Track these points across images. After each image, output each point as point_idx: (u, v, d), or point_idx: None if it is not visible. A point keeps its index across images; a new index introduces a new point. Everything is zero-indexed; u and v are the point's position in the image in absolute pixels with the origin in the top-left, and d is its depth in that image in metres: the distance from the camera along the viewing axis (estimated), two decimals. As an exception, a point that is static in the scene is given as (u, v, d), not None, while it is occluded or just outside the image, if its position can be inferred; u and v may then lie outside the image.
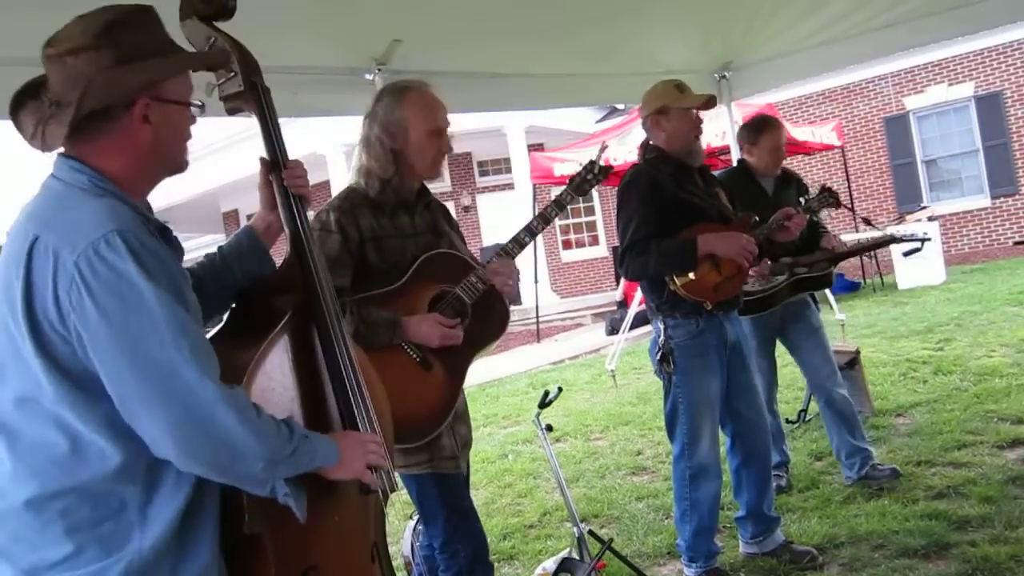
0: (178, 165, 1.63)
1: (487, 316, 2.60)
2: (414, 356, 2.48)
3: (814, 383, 4.41)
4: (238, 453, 1.41)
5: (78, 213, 1.42)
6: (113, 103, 1.47)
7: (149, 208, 1.60)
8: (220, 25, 1.80)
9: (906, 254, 4.81)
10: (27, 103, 1.53)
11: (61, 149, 1.51)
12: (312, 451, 1.53)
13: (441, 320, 2.48)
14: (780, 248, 3.96)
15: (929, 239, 4.81)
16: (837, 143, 13.07)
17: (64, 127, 1.44)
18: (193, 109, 1.61)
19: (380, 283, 2.49)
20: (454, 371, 2.56)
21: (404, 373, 2.45)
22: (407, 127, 2.54)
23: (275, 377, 1.64)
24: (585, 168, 2.82)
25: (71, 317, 1.36)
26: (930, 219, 12.59)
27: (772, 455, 4.03)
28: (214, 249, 1.89)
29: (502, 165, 18.19)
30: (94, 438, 1.39)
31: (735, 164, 4.56)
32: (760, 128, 4.31)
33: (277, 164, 1.82)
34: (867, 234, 7.58)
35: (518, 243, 2.67)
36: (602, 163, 2.83)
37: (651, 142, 3.51)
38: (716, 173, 4.52)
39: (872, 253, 13.16)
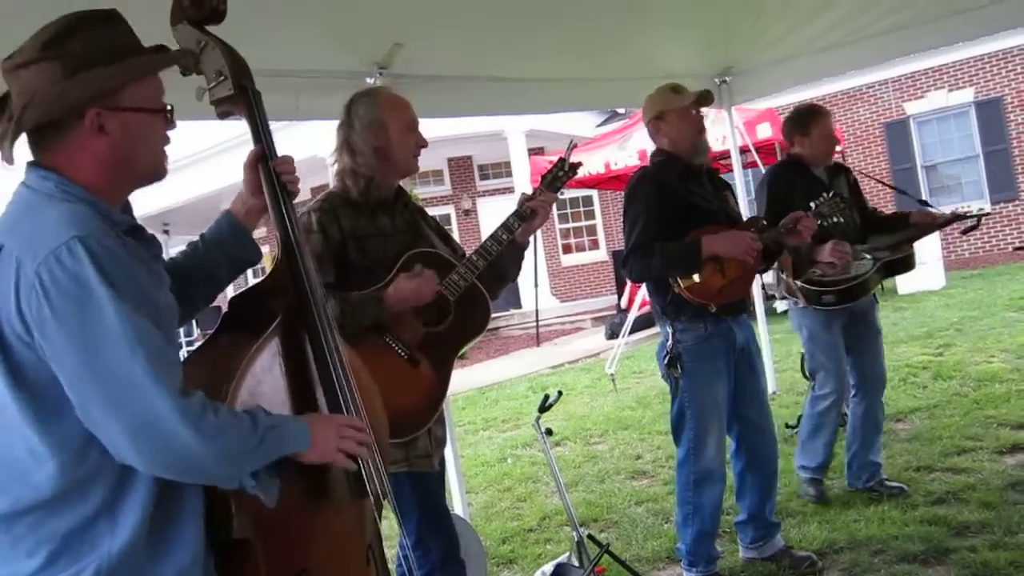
0: (152, 174, 1.59)
1: (471, 312, 2.65)
2: (402, 353, 2.52)
3: (864, 386, 4.24)
4: (197, 461, 1.39)
5: (41, 220, 1.41)
6: (59, 116, 1.44)
7: (128, 208, 1.58)
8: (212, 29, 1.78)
9: (964, 232, 4.70)
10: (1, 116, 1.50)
11: (30, 158, 1.50)
12: (280, 439, 1.51)
13: (410, 278, 2.49)
14: (839, 232, 3.86)
15: (988, 213, 4.72)
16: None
17: (9, 137, 1.43)
18: (165, 110, 1.57)
19: (362, 281, 2.53)
20: (441, 367, 2.60)
21: (392, 370, 2.48)
22: (386, 124, 2.64)
23: (265, 380, 1.64)
24: (556, 166, 2.87)
25: (32, 326, 1.35)
26: (930, 224, 12.55)
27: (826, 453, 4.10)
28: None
29: (502, 169, 18.20)
30: (57, 452, 1.38)
31: (784, 159, 4.39)
32: (810, 116, 4.14)
33: (266, 155, 1.80)
34: None
35: (496, 240, 2.69)
36: (572, 160, 2.88)
37: (659, 147, 3.51)
38: (765, 169, 4.44)
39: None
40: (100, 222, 1.43)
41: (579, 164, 2.90)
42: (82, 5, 1.54)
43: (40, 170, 1.48)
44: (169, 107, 1.58)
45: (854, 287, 3.99)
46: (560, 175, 2.85)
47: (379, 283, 2.53)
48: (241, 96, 1.79)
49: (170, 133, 1.63)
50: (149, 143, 1.57)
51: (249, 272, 2.17)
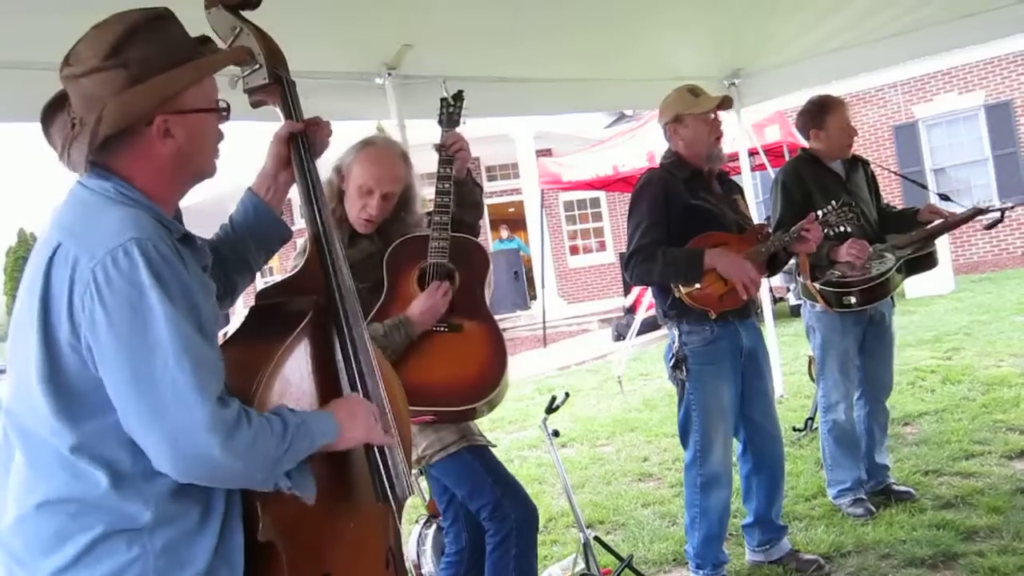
0: (206, 171, 1.62)
1: (469, 258, 2.77)
2: (442, 329, 2.67)
3: (869, 390, 4.16)
4: (229, 472, 1.41)
5: (100, 221, 1.42)
6: (129, 125, 1.46)
7: (179, 215, 1.61)
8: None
9: (987, 227, 4.52)
10: (56, 118, 1.52)
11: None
12: (309, 435, 1.51)
13: (426, 297, 2.63)
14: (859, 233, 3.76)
15: (1011, 207, 4.50)
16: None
17: (85, 150, 1.44)
18: (222, 108, 1.59)
19: (369, 301, 2.62)
20: (479, 316, 2.72)
21: (445, 348, 2.64)
22: (348, 174, 2.75)
23: (293, 382, 1.62)
24: (442, 106, 2.90)
25: (82, 326, 1.36)
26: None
27: (860, 466, 4.04)
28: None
29: (510, 170, 18.22)
30: (87, 456, 1.39)
31: (797, 155, 4.27)
32: (824, 108, 4.01)
33: (300, 139, 1.78)
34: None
35: (443, 192, 2.77)
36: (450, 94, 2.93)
37: (671, 149, 3.50)
38: (779, 168, 4.33)
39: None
40: (157, 228, 1.45)
41: (460, 91, 2.93)
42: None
43: (99, 170, 1.49)
44: (226, 104, 1.60)
45: (876, 287, 3.85)
46: (451, 111, 2.90)
47: (382, 295, 2.67)
48: (275, 85, 1.77)
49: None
50: (208, 142, 1.60)
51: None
